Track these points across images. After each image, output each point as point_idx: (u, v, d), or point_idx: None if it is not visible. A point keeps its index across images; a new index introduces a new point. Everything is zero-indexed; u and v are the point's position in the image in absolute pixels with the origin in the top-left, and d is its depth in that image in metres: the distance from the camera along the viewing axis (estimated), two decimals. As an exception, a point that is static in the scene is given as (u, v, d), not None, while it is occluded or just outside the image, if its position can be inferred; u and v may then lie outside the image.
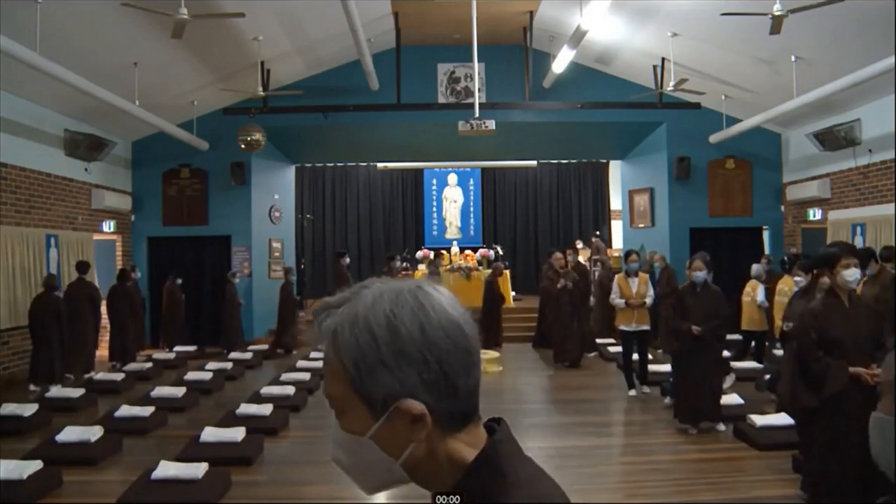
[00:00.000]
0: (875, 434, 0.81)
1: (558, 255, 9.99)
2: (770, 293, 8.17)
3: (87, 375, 8.73)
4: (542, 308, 10.79)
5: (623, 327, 7.73)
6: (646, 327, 7.71)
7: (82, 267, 9.07)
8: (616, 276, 8.10)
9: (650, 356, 8.35)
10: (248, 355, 10.31)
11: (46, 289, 8.27)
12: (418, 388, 0.78)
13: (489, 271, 12.17)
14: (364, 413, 0.80)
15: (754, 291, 8.43)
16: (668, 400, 6.99)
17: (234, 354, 10.34)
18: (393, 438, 0.79)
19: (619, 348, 10.09)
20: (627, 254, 8.19)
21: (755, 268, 8.77)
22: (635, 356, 7.79)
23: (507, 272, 13.25)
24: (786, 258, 8.28)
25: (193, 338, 11.65)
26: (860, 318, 3.86)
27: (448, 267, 13.53)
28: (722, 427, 6.01)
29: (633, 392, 7.67)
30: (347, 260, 12.12)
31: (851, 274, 3.80)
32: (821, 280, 4.38)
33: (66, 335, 8.31)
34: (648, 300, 7.62)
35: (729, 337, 7.25)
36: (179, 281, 11.49)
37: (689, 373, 6.01)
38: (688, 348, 5.96)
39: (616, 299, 7.74)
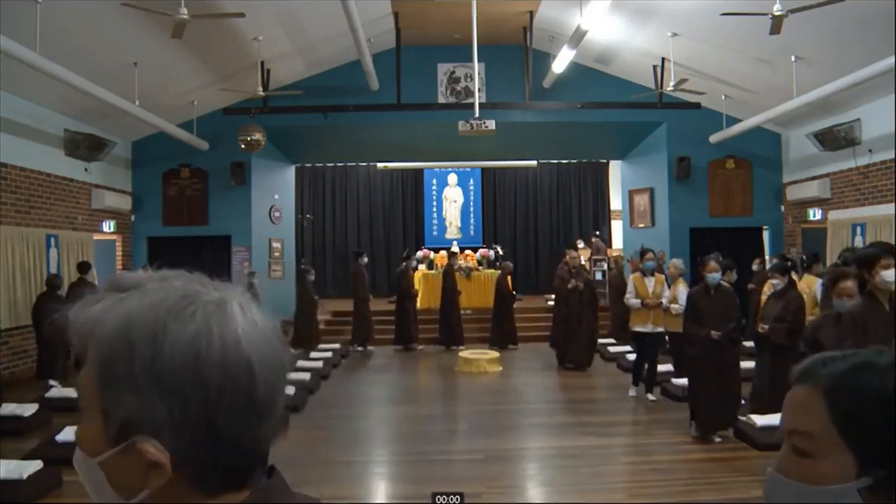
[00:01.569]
0: (769, 496, 0.67)
1: (574, 253, 9.73)
2: None
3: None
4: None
5: (638, 328, 7.47)
6: (661, 329, 7.45)
7: (83, 267, 9.10)
8: (632, 276, 7.87)
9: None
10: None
11: (49, 288, 8.30)
12: (167, 429, 0.63)
13: (498, 271, 12.13)
14: (99, 430, 0.65)
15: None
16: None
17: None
18: (124, 475, 0.64)
19: (618, 348, 10.11)
20: (643, 252, 7.89)
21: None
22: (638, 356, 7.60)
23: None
24: (804, 257, 8.26)
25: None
26: None
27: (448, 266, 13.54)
28: (717, 438, 5.78)
29: (632, 392, 7.55)
30: (365, 259, 12.04)
31: (891, 275, 3.57)
32: (840, 285, 4.06)
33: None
34: (664, 300, 7.43)
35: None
36: None
37: (704, 378, 5.78)
38: (704, 353, 5.74)
39: (631, 299, 7.49)
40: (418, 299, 12.84)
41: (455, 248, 14.73)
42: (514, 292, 11.63)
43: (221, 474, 0.66)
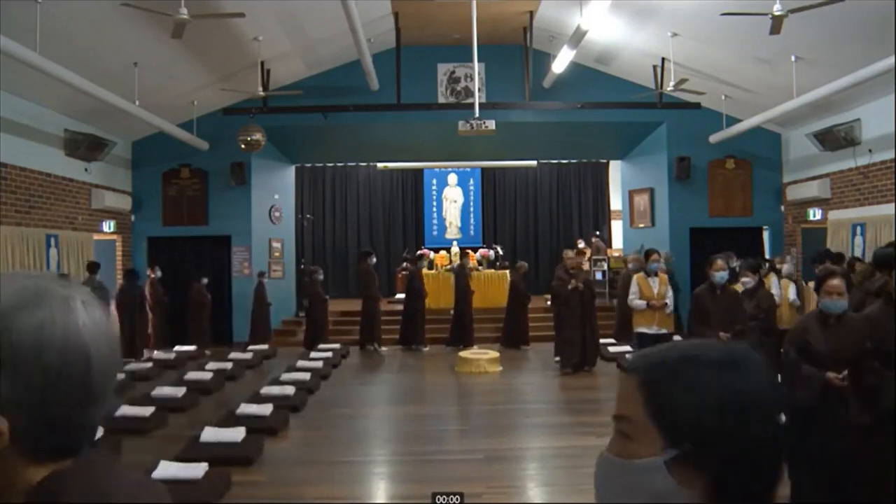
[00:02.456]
0: (596, 475, 0.67)
1: (570, 253, 9.59)
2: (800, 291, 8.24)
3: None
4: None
5: (643, 329, 7.32)
6: (665, 331, 7.23)
7: (93, 267, 9.30)
8: (635, 276, 7.71)
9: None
10: (249, 355, 10.31)
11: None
12: (8, 403, 0.70)
13: (502, 271, 12.07)
14: None
15: (786, 290, 8.24)
16: None
17: (234, 354, 10.34)
18: None
19: (618, 348, 10.08)
20: (649, 253, 7.73)
21: (786, 267, 8.75)
22: None
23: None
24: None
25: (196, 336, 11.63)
26: None
27: (448, 267, 13.54)
28: None
29: None
30: (374, 259, 12.02)
31: None
32: (828, 283, 3.75)
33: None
34: (669, 301, 7.31)
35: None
36: (205, 281, 11.50)
37: None
38: None
39: (636, 300, 7.33)
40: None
41: (455, 248, 14.75)
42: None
43: (52, 446, 0.74)
